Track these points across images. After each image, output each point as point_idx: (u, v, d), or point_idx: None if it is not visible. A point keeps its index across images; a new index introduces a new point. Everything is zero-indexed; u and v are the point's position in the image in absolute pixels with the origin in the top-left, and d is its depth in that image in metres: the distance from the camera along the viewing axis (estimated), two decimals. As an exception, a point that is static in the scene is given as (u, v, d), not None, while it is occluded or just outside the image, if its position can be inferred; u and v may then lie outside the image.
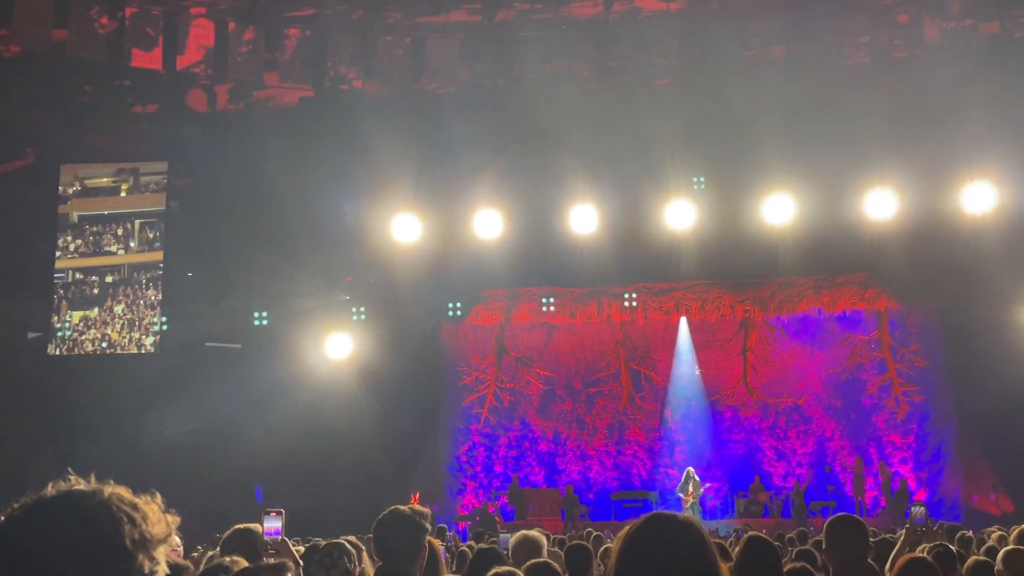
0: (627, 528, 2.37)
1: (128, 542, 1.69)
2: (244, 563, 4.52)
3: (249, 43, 26.67)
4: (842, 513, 5.00)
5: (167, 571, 1.79)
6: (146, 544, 1.72)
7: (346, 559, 4.70)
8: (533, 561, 4.97)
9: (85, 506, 1.71)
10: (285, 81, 26.97)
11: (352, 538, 6.25)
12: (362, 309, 24.51)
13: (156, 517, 1.77)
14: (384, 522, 4.21)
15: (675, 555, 2.27)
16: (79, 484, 1.77)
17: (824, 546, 4.46)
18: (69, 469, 1.85)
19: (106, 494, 1.75)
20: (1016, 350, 22.17)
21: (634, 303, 24.67)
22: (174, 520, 1.83)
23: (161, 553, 1.77)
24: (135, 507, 1.75)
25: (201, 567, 5.26)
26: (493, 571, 4.78)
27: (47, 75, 25.50)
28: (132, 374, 23.40)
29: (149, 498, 1.82)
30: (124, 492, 1.78)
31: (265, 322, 24.18)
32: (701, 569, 2.27)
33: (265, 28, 26.78)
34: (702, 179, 23.22)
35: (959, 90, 22.27)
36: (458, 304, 24.84)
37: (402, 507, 4.34)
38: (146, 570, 1.72)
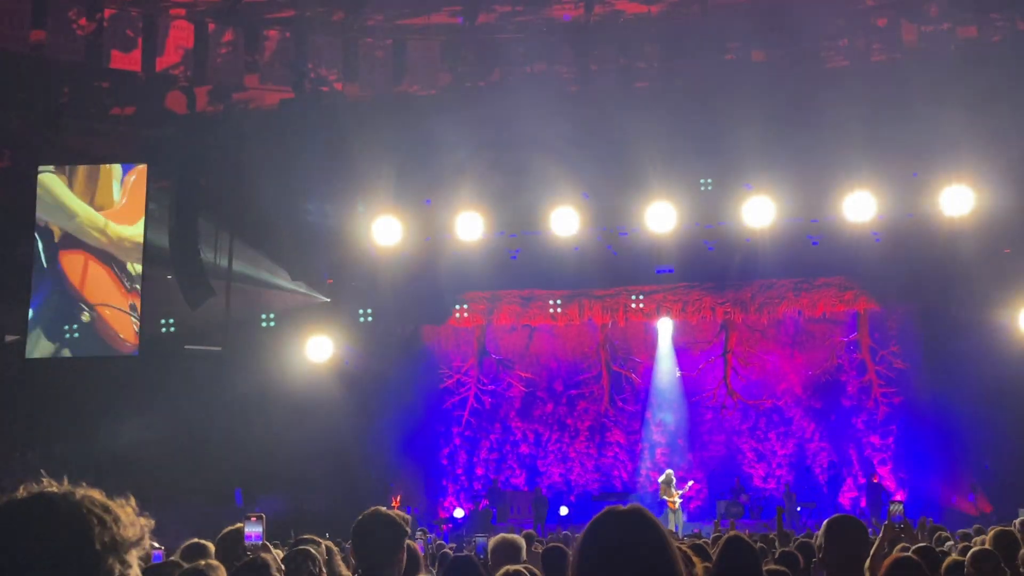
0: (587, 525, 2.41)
1: (98, 545, 1.69)
2: (222, 568, 4.51)
3: (228, 45, 26.59)
4: (843, 513, 4.96)
5: (139, 574, 1.78)
6: (117, 547, 1.72)
7: (310, 564, 4.71)
8: (505, 569, 4.95)
9: (54, 508, 1.71)
10: (265, 83, 26.90)
11: (327, 541, 6.23)
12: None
13: (129, 520, 1.77)
14: (364, 523, 4.18)
15: (629, 547, 2.29)
16: (51, 487, 1.77)
17: (822, 546, 4.45)
18: (42, 471, 1.84)
19: (77, 496, 1.75)
20: (993, 351, 22.34)
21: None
22: (148, 523, 1.82)
23: (133, 556, 1.76)
24: (107, 509, 1.74)
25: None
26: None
27: (24, 76, 25.32)
28: (111, 377, 23.24)
29: (123, 501, 1.81)
30: (97, 495, 1.78)
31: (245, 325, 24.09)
32: (656, 558, 2.28)
33: (244, 30, 26.70)
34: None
35: (937, 93, 22.42)
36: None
37: (382, 508, 4.33)
38: (116, 573, 1.71)
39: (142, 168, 23.74)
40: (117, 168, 23.91)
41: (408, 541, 4.39)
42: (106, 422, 21.78)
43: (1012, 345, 21.97)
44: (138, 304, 23.40)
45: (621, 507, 2.42)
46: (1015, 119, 22.08)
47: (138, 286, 23.36)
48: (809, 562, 7.01)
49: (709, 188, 23.19)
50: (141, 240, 23.37)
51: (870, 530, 14.65)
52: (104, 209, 23.78)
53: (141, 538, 1.78)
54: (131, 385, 23.00)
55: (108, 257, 23.60)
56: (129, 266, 23.59)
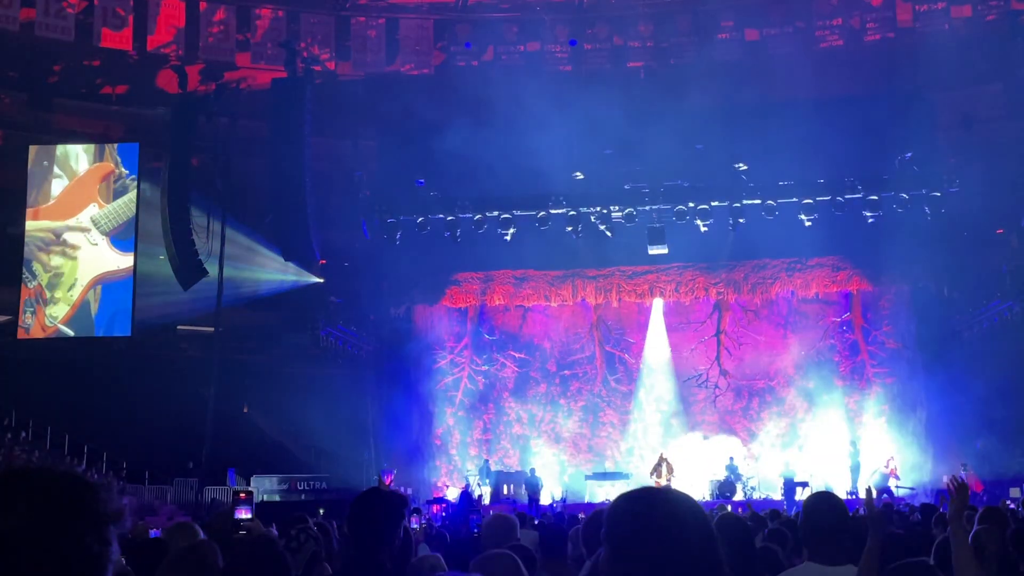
0: (617, 503, 2.19)
1: (77, 520, 1.70)
2: (215, 546, 4.51)
3: (220, 23, 26.44)
4: (821, 490, 5.02)
5: (118, 551, 1.79)
6: (96, 523, 1.73)
7: (313, 543, 4.71)
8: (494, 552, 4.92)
9: (33, 484, 1.71)
10: (257, 62, 26.76)
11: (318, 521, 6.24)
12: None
13: (108, 497, 1.77)
14: (362, 502, 4.14)
15: (672, 528, 2.08)
16: (31, 463, 1.79)
17: (800, 521, 4.47)
18: (36, 453, 1.86)
19: (57, 472, 1.76)
20: (984, 330, 22.39)
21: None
22: (128, 501, 1.82)
23: (112, 533, 1.76)
24: (87, 486, 1.74)
25: None
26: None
27: (15, 55, 25.16)
28: (104, 358, 23.20)
29: (105, 479, 1.82)
30: (76, 472, 1.79)
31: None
32: (698, 542, 2.10)
33: (236, 8, 26.55)
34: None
35: (931, 72, 22.38)
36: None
37: (381, 489, 4.30)
38: (95, 549, 1.71)
39: None
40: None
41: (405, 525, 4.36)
42: (99, 403, 21.75)
43: (1003, 325, 22.02)
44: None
45: (654, 487, 2.25)
46: (1009, 98, 22.06)
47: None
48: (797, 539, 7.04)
49: (703, 168, 23.15)
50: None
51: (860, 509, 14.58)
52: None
53: (121, 514, 1.78)
54: (124, 366, 22.97)
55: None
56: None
